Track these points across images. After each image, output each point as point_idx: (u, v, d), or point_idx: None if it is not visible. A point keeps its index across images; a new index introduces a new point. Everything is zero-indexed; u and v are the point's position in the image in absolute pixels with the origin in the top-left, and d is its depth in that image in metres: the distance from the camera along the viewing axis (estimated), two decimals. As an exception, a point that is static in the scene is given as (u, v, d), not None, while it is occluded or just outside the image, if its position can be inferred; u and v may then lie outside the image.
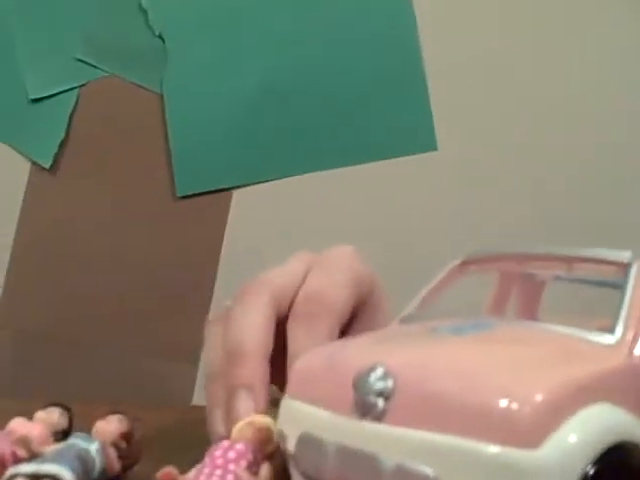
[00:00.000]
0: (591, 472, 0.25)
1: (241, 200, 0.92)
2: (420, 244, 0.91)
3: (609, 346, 0.28)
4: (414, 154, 0.94)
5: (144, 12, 0.90)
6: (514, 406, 0.25)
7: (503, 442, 0.24)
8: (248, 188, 0.92)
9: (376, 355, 0.29)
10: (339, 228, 0.91)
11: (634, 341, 0.28)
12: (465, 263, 0.36)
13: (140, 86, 0.90)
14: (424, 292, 0.36)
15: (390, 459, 0.26)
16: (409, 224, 0.94)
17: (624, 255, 0.31)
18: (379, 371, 0.28)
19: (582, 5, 0.89)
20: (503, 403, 0.25)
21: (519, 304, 0.39)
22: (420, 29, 0.93)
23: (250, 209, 0.92)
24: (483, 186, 0.92)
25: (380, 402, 0.28)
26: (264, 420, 0.34)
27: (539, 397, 0.25)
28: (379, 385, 0.28)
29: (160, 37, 0.90)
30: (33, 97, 0.88)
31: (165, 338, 0.88)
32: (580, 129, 0.91)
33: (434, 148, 0.94)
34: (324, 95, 0.93)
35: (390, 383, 0.28)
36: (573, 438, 0.24)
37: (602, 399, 0.26)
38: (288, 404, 0.31)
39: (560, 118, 0.91)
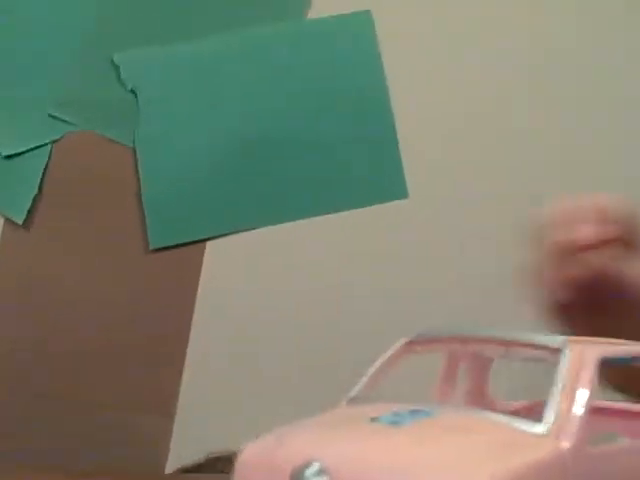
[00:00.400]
0: None
1: (214, 251, 0.93)
2: (397, 288, 0.91)
3: (539, 436, 0.29)
4: (385, 202, 0.95)
5: (116, 67, 0.92)
6: None
7: None
8: (221, 239, 0.93)
9: (313, 449, 0.29)
10: (313, 276, 0.92)
11: (562, 430, 0.29)
12: (411, 343, 0.37)
13: (113, 140, 0.91)
14: (371, 371, 0.37)
15: None
16: (385, 270, 0.95)
17: (557, 340, 0.32)
18: (314, 467, 0.29)
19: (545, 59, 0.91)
20: None
21: (468, 383, 0.40)
22: (389, 79, 0.94)
23: (223, 260, 0.93)
24: (454, 232, 0.93)
25: None
26: None
27: None
28: (314, 481, 0.28)
29: (132, 92, 0.92)
30: (6, 154, 0.88)
31: (140, 391, 0.88)
32: (551, 177, 0.93)
33: (404, 196, 0.95)
34: (295, 146, 0.94)
35: (324, 479, 0.28)
36: None
37: None
38: (231, 495, 0.32)
39: (531, 166, 0.93)
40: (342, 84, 0.95)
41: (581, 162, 0.90)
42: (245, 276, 0.93)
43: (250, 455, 0.32)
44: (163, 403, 0.85)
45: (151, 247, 0.93)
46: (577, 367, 0.31)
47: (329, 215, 0.94)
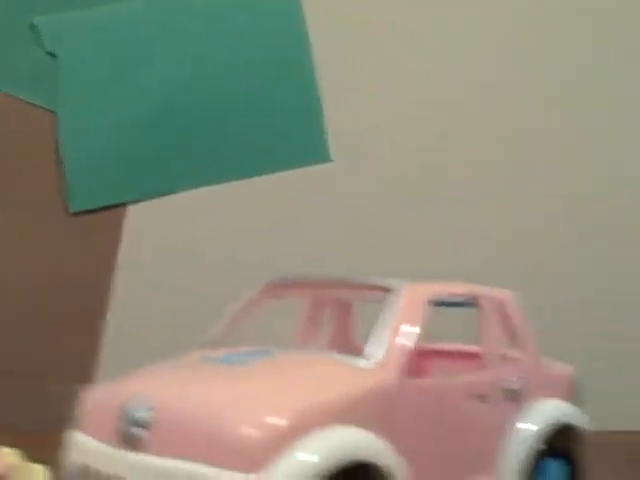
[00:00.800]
0: None
1: (136, 215, 0.92)
2: (320, 254, 0.92)
3: (365, 370, 0.30)
4: (309, 166, 0.95)
5: (35, 29, 0.90)
6: (243, 433, 0.26)
7: (234, 467, 0.26)
8: (142, 203, 0.92)
9: (142, 387, 0.30)
10: (235, 241, 0.92)
11: (388, 365, 0.30)
12: (267, 289, 0.38)
13: (32, 104, 0.89)
14: (228, 315, 0.37)
15: None
16: (305, 235, 0.95)
17: (394, 281, 0.33)
18: (142, 403, 0.29)
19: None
20: (234, 431, 0.26)
21: (332, 329, 0.41)
22: (313, 44, 0.94)
23: (145, 224, 0.92)
24: (377, 198, 0.93)
25: (139, 432, 0.29)
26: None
27: (266, 424, 0.26)
28: (140, 416, 0.29)
29: (51, 54, 0.90)
30: None
31: (59, 359, 0.87)
32: (476, 144, 0.94)
33: (328, 160, 0.95)
34: (219, 110, 0.94)
35: (150, 414, 0.29)
36: (298, 459, 0.26)
37: (344, 421, 0.28)
38: (74, 437, 0.32)
39: (459, 127, 0.94)
40: (265, 50, 0.94)
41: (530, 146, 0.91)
42: (166, 240, 0.92)
43: (92, 395, 0.33)
44: (83, 371, 0.85)
45: (71, 210, 0.92)
46: (406, 306, 0.32)
47: (252, 179, 0.94)
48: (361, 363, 0.30)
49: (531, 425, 0.35)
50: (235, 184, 0.94)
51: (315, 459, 0.26)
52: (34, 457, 0.39)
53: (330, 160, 0.96)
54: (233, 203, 0.94)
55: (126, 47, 0.92)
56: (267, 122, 0.97)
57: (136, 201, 0.93)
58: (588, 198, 0.90)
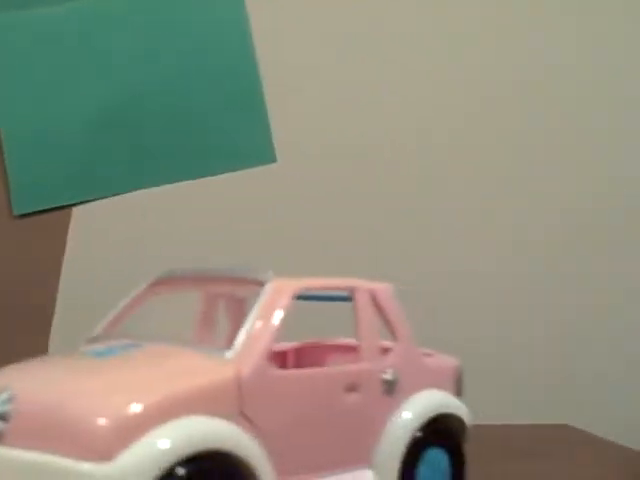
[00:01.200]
0: (178, 474, 0.27)
1: (81, 217, 0.92)
2: (265, 253, 0.93)
3: (223, 361, 0.30)
4: (253, 167, 0.96)
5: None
6: (93, 423, 0.27)
7: (84, 457, 0.26)
8: (88, 205, 0.93)
9: (9, 380, 0.30)
10: (179, 242, 0.93)
11: (245, 356, 0.31)
12: (155, 284, 0.38)
13: (-29, 105, 0.89)
14: (114, 312, 0.38)
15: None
16: (251, 236, 0.96)
17: (263, 274, 0.34)
18: (4, 395, 0.30)
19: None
20: (85, 421, 0.27)
21: (228, 325, 0.41)
22: (257, 43, 0.95)
23: (90, 226, 0.92)
24: (322, 197, 0.94)
25: (0, 424, 0.29)
26: None
27: (116, 414, 0.27)
28: (1, 408, 0.29)
29: (-8, 57, 0.90)
30: None
31: (2, 363, 0.87)
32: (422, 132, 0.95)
33: (273, 160, 0.96)
34: (162, 112, 0.94)
35: (11, 406, 0.29)
36: (148, 448, 0.27)
37: (198, 411, 0.28)
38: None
39: (404, 128, 0.95)
40: (209, 50, 0.94)
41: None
42: (111, 242, 0.92)
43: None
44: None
45: (15, 213, 0.92)
46: (271, 299, 0.33)
47: (197, 180, 0.94)
48: (220, 355, 0.31)
49: (408, 414, 0.36)
50: (180, 185, 0.95)
51: (165, 447, 0.27)
52: None
53: (275, 161, 0.97)
54: (179, 204, 0.94)
55: (66, 46, 0.92)
56: (211, 123, 0.97)
57: (81, 203, 0.93)
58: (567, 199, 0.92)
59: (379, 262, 0.88)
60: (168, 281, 0.38)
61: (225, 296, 0.41)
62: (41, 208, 0.93)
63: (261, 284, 0.33)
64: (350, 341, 0.45)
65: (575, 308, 0.89)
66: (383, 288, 0.37)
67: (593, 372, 0.88)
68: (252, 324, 0.32)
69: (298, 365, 0.44)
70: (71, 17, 0.92)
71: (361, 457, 0.35)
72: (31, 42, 0.92)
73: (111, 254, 0.92)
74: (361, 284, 0.36)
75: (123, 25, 0.93)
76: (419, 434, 0.36)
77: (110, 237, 0.94)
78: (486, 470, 0.49)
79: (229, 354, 0.31)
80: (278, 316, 0.32)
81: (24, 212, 0.94)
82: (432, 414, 0.37)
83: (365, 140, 0.96)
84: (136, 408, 0.27)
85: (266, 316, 0.32)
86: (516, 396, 0.85)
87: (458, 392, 0.40)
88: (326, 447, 0.33)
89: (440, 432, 0.37)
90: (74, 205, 0.95)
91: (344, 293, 0.37)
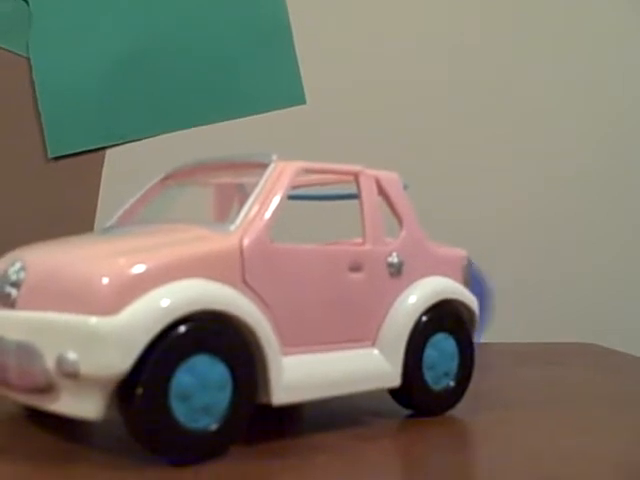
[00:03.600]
0: (179, 331, 0.28)
1: (114, 159, 0.94)
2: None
3: (227, 233, 0.31)
4: (283, 108, 0.96)
5: (7, -23, 0.91)
6: (96, 283, 0.28)
7: (90, 313, 0.28)
8: (120, 147, 0.94)
9: (22, 253, 0.32)
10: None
11: (248, 229, 0.31)
12: (165, 178, 0.39)
13: (6, 50, 0.91)
14: (126, 205, 0.39)
15: (12, 339, 0.29)
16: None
17: (267, 156, 0.34)
18: (16, 265, 0.31)
19: None
20: (90, 280, 0.28)
21: (237, 206, 0.42)
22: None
23: (123, 168, 0.94)
24: (351, 138, 0.94)
25: (13, 291, 0.31)
26: None
27: (119, 272, 0.28)
28: (13, 277, 0.31)
29: (25, 1, 0.91)
30: None
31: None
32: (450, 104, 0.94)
33: (302, 102, 0.96)
34: (194, 55, 0.94)
35: (22, 275, 0.31)
36: (149, 305, 0.28)
37: (201, 275, 0.29)
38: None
39: (430, 70, 0.94)
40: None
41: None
42: (144, 184, 0.94)
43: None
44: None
45: (50, 156, 0.94)
46: (275, 178, 0.33)
47: (229, 121, 0.95)
48: (223, 228, 0.31)
49: (414, 298, 0.36)
50: (211, 127, 0.96)
51: (168, 304, 0.28)
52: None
53: (304, 102, 0.97)
54: (209, 145, 0.95)
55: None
56: (241, 66, 0.98)
57: (114, 145, 0.95)
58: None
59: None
60: (178, 174, 0.39)
61: (234, 185, 0.41)
62: (75, 151, 0.95)
63: (265, 166, 0.34)
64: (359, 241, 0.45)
65: (608, 229, 0.88)
66: (389, 175, 0.37)
67: (623, 295, 0.87)
68: (255, 199, 0.32)
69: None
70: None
71: (366, 336, 0.35)
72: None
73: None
74: (367, 170, 0.36)
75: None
76: (425, 317, 0.37)
77: (142, 179, 0.95)
78: (505, 373, 0.49)
79: (232, 227, 0.31)
80: (279, 193, 0.32)
81: (58, 155, 0.96)
82: (438, 299, 0.37)
83: (391, 78, 0.95)
84: (140, 268, 0.28)
85: (268, 193, 0.32)
86: (545, 315, 0.85)
87: (466, 282, 0.40)
88: (331, 323, 0.34)
89: (447, 317, 0.38)
90: (107, 148, 0.96)
91: (351, 191, 0.37)
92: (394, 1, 0.95)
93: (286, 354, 0.32)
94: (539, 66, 0.89)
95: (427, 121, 0.91)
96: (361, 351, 0.34)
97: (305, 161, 0.34)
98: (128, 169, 0.95)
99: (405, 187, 0.38)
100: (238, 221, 0.31)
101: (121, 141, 0.95)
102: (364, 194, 0.35)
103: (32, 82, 0.92)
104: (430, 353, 0.37)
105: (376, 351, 0.35)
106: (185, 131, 0.95)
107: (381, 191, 0.37)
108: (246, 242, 0.31)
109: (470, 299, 0.39)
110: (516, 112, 0.88)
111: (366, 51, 0.96)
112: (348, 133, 0.97)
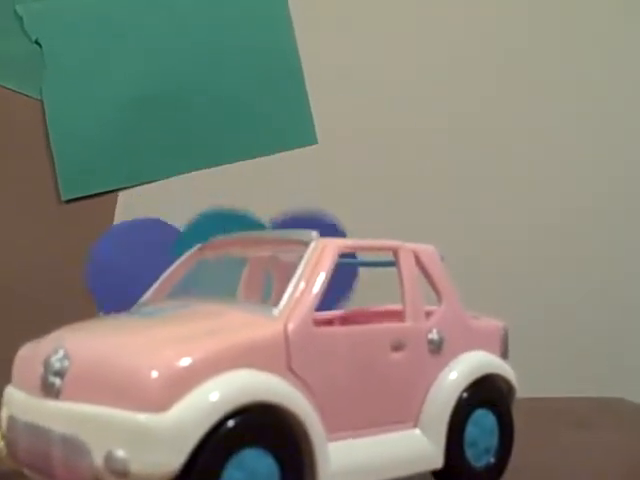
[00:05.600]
0: (229, 425, 0.28)
1: (127, 201, 0.94)
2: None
3: (270, 318, 0.31)
4: (294, 148, 0.96)
5: (19, 18, 0.92)
6: (145, 377, 0.27)
7: (138, 408, 0.27)
8: (134, 189, 0.94)
9: (62, 341, 0.31)
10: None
11: (292, 313, 0.31)
12: (201, 249, 0.39)
13: (19, 93, 0.91)
14: (163, 277, 0.39)
15: (58, 431, 0.29)
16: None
17: (308, 234, 0.34)
18: (60, 353, 0.31)
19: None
20: (138, 373, 0.28)
21: (275, 287, 0.42)
22: (296, 26, 0.95)
23: (136, 210, 0.94)
24: (362, 179, 0.94)
25: (57, 381, 0.30)
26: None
27: (169, 366, 0.27)
28: (57, 365, 0.30)
29: (37, 43, 0.92)
30: None
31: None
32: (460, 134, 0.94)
33: (314, 142, 0.96)
34: (204, 96, 0.94)
35: (66, 363, 0.30)
36: (200, 401, 0.27)
37: (248, 365, 0.29)
38: (7, 391, 0.34)
39: (439, 116, 0.94)
40: (248, 34, 0.95)
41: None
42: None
43: (23, 350, 0.35)
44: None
45: (63, 198, 0.94)
46: (317, 258, 0.33)
47: (239, 163, 0.95)
48: (267, 312, 0.31)
49: (454, 375, 0.36)
50: (223, 168, 0.96)
51: (218, 399, 0.28)
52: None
53: (316, 142, 0.97)
54: (222, 186, 0.95)
55: (110, 33, 0.93)
56: (253, 106, 0.98)
57: (126, 187, 0.95)
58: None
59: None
60: (213, 246, 0.39)
61: (270, 259, 0.41)
62: (88, 193, 0.95)
63: (306, 244, 0.34)
64: (394, 307, 0.45)
65: (632, 281, 0.87)
66: (427, 249, 0.37)
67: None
68: (297, 282, 0.32)
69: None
70: (116, 3, 0.94)
71: (407, 416, 0.35)
72: (75, 27, 0.93)
73: (156, 237, 0.93)
74: (405, 245, 0.36)
75: (166, 8, 0.94)
76: (466, 394, 0.36)
77: (154, 220, 0.95)
78: (538, 438, 0.49)
79: (276, 311, 0.31)
80: (323, 274, 0.32)
81: (71, 197, 0.96)
82: (479, 374, 0.37)
83: (403, 123, 0.95)
84: (188, 360, 0.28)
85: (311, 274, 0.32)
86: (571, 369, 0.85)
87: (504, 354, 0.39)
88: (373, 405, 0.34)
89: (487, 393, 0.37)
90: (120, 190, 0.96)
91: (387, 258, 0.37)
92: (407, 42, 0.95)
93: (331, 440, 0.31)
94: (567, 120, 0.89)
95: (440, 164, 0.91)
96: (404, 433, 0.34)
97: (345, 239, 0.34)
98: (141, 210, 0.94)
99: (441, 259, 0.38)
100: (281, 305, 0.31)
101: (134, 183, 0.95)
102: (404, 270, 0.35)
103: (45, 125, 0.92)
104: (471, 430, 0.36)
105: (418, 432, 0.35)
106: (197, 172, 0.95)
107: (419, 265, 0.37)
108: (291, 327, 0.31)
109: (509, 372, 0.38)
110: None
111: (379, 91, 0.96)
112: (360, 173, 0.97)
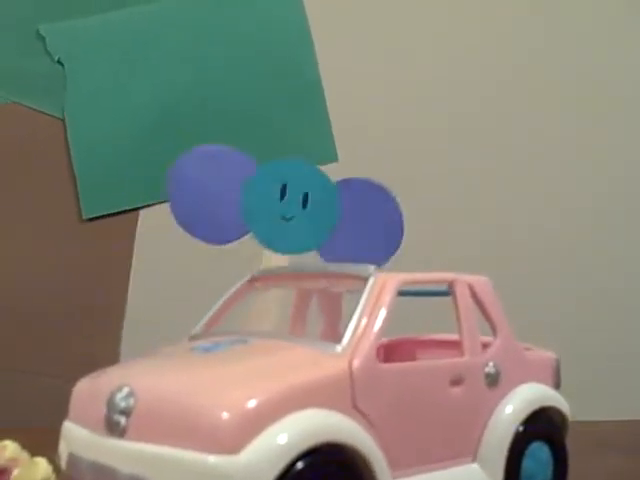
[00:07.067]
0: (299, 467, 0.27)
1: (148, 219, 0.94)
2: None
3: (334, 355, 0.31)
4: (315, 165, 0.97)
5: (42, 38, 0.92)
6: (215, 418, 0.27)
7: (208, 450, 0.27)
8: (155, 207, 0.94)
9: (125, 377, 0.31)
10: (244, 241, 0.94)
11: (356, 350, 0.31)
12: (252, 280, 0.39)
13: (41, 112, 0.92)
14: (214, 309, 0.39)
15: (124, 471, 0.29)
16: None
17: (366, 269, 0.34)
18: (124, 391, 0.31)
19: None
20: (207, 416, 0.28)
21: (322, 320, 0.42)
22: (316, 43, 0.95)
23: (157, 228, 0.94)
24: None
25: (122, 419, 0.30)
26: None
27: (238, 408, 0.27)
28: (122, 404, 0.30)
29: (59, 62, 0.92)
30: None
31: (76, 361, 0.89)
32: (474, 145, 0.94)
33: (334, 159, 0.96)
34: (224, 114, 0.95)
35: (132, 402, 0.30)
36: (270, 443, 0.27)
37: (315, 404, 0.29)
38: (65, 426, 0.34)
39: (456, 131, 0.95)
40: (268, 49, 0.95)
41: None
42: (178, 243, 0.94)
43: (80, 385, 0.35)
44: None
45: (84, 217, 0.94)
46: (377, 293, 0.33)
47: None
48: (330, 349, 0.31)
49: (510, 408, 0.36)
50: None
51: (288, 441, 0.27)
52: (38, 451, 0.41)
53: (336, 159, 0.97)
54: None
55: (130, 53, 0.94)
56: (274, 124, 0.98)
57: (148, 205, 0.95)
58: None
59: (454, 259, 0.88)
60: (266, 278, 0.39)
61: (319, 291, 0.41)
62: (109, 211, 0.95)
63: (364, 279, 0.34)
64: (436, 336, 0.45)
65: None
66: (482, 281, 0.37)
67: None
68: (359, 319, 0.32)
69: (389, 361, 0.44)
70: (136, 22, 0.94)
71: (466, 451, 0.35)
72: (97, 47, 0.94)
73: (178, 255, 0.93)
74: (460, 277, 0.36)
75: (187, 29, 0.95)
76: (522, 428, 0.36)
77: (177, 239, 0.95)
78: (588, 465, 0.48)
79: (339, 348, 0.31)
80: (384, 310, 0.32)
81: (93, 215, 0.96)
82: (534, 407, 0.36)
83: (423, 137, 0.95)
84: (258, 402, 0.28)
85: (372, 310, 0.32)
86: (617, 391, 0.84)
87: (557, 385, 0.39)
88: (433, 441, 0.33)
89: (542, 425, 0.37)
90: (141, 208, 0.96)
91: (442, 287, 0.37)
92: (429, 59, 0.95)
93: (394, 477, 0.31)
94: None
95: (463, 178, 0.91)
96: (463, 467, 0.34)
97: (403, 273, 0.34)
98: (162, 228, 0.94)
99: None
100: (345, 342, 0.31)
101: (155, 201, 0.95)
102: (460, 303, 0.35)
103: (67, 143, 0.92)
104: (528, 463, 0.36)
105: (477, 466, 0.35)
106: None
107: (474, 297, 0.36)
108: (355, 365, 0.31)
109: (563, 404, 0.38)
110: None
111: (399, 107, 0.96)
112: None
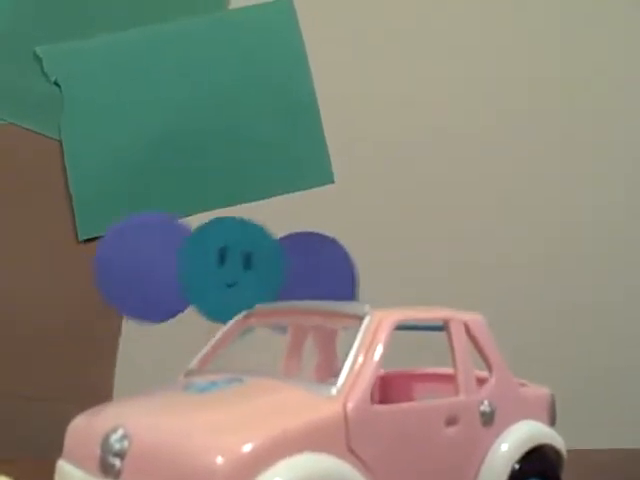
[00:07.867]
0: None
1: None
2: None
3: (329, 397, 0.31)
4: (311, 188, 0.97)
5: (39, 59, 0.92)
6: (210, 462, 0.27)
7: None
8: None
9: (120, 418, 0.31)
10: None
11: (350, 392, 0.31)
12: (247, 317, 0.39)
13: (37, 133, 0.92)
14: (209, 345, 0.39)
15: None
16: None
17: (362, 308, 0.34)
18: (119, 433, 0.31)
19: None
20: (203, 460, 0.28)
21: (317, 357, 0.42)
22: (312, 66, 0.96)
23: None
24: (381, 218, 0.94)
25: (117, 462, 0.30)
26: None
27: (232, 454, 0.27)
28: (117, 446, 0.30)
29: (56, 84, 0.92)
30: None
31: (71, 383, 0.89)
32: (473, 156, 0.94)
33: (331, 181, 0.96)
34: (220, 137, 0.95)
35: (126, 444, 0.30)
36: None
37: (309, 448, 0.29)
38: (59, 465, 0.34)
39: (456, 149, 0.95)
40: (263, 73, 0.96)
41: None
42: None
43: (75, 423, 0.34)
44: (95, 395, 0.87)
45: (80, 238, 0.94)
46: (373, 332, 0.33)
47: (256, 202, 0.95)
48: (325, 391, 0.31)
49: (506, 446, 0.36)
50: (238, 208, 0.96)
51: None
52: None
53: (332, 181, 0.98)
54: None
55: (128, 74, 0.94)
56: (269, 145, 0.98)
57: (144, 227, 0.95)
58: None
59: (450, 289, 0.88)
60: (260, 314, 0.39)
61: (314, 328, 0.41)
62: (105, 233, 0.95)
63: (360, 318, 0.34)
64: (431, 370, 0.45)
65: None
66: (476, 319, 0.37)
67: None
68: (354, 359, 0.32)
69: (384, 394, 0.44)
70: (134, 44, 0.94)
71: (462, 490, 0.35)
72: (94, 68, 0.94)
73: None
74: (455, 315, 0.36)
75: (183, 50, 0.95)
76: (518, 466, 0.36)
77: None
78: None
79: (334, 390, 0.31)
80: (379, 349, 0.32)
81: (89, 237, 0.96)
82: (530, 445, 0.36)
83: (423, 161, 0.95)
84: (253, 446, 0.28)
85: (368, 350, 0.32)
86: (611, 420, 0.83)
87: (552, 422, 0.39)
88: (428, 480, 0.34)
89: (538, 463, 0.37)
90: (137, 229, 0.96)
91: (437, 323, 0.37)
92: (429, 77, 0.95)
93: (388, 519, 0.31)
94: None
95: (459, 203, 0.91)
96: (459, 508, 0.34)
97: (399, 310, 0.34)
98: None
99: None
100: (340, 383, 0.31)
101: (152, 223, 0.95)
102: (455, 341, 0.35)
103: (63, 165, 0.92)
104: (524, 503, 0.36)
105: (473, 506, 0.35)
106: (214, 211, 0.95)
107: (469, 335, 0.37)
108: (350, 407, 0.30)
109: (559, 441, 0.38)
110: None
111: (396, 129, 0.96)
112: (377, 212, 0.97)
